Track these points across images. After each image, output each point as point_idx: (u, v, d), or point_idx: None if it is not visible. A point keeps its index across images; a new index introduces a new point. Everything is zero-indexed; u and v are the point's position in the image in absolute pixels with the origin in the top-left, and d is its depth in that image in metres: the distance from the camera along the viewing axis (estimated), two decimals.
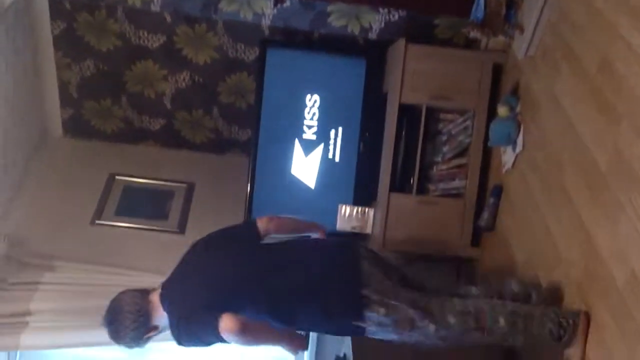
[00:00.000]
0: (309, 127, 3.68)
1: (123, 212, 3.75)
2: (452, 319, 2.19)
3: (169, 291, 2.24)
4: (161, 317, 2.22)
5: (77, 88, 3.91)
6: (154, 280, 2.49)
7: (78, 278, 3.19)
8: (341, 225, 3.62)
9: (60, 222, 3.57)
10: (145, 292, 2.26)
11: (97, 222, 3.65)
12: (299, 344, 2.27)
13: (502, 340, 2.25)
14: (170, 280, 2.30)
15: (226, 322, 2.04)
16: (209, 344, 2.17)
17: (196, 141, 4.12)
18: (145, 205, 3.83)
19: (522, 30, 3.02)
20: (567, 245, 2.54)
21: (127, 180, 3.93)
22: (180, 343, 2.18)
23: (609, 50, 2.34)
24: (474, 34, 3.09)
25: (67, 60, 3.80)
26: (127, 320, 2.18)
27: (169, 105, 3.98)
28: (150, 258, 3.34)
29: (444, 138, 3.52)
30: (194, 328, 2.14)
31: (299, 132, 3.67)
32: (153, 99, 3.95)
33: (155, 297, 2.24)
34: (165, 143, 4.13)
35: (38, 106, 3.95)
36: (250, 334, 2.09)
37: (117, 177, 3.92)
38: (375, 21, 3.52)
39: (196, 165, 4.09)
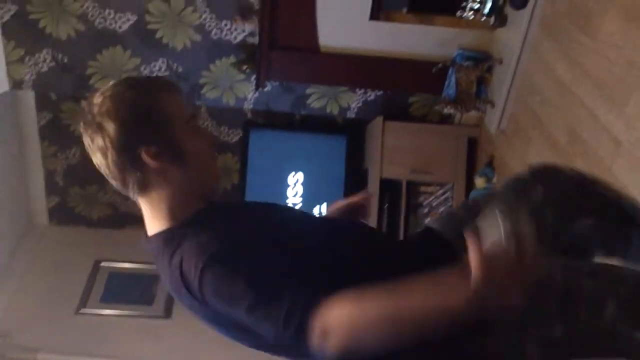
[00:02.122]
0: (293, 205, 3.74)
1: (108, 299, 3.72)
2: None
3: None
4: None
5: (62, 176, 3.95)
6: None
7: None
8: None
9: (45, 313, 3.52)
10: None
11: (82, 310, 3.61)
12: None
13: None
14: None
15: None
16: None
17: None
18: (131, 290, 3.80)
19: (493, 105, 3.16)
20: None
21: (112, 266, 3.92)
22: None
23: (577, 122, 2.46)
24: (447, 110, 3.23)
25: (53, 149, 3.86)
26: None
27: None
28: (136, 346, 3.29)
29: (425, 210, 3.59)
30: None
31: None
32: None
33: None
34: None
35: (23, 195, 3.98)
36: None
37: (102, 264, 3.91)
38: (353, 101, 3.66)
39: None
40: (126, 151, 1.25)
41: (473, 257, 1.00)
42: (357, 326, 1.04)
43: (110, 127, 1.24)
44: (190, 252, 1.17)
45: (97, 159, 1.28)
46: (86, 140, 1.29)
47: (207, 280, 1.14)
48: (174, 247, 1.22)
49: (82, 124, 1.29)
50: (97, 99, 1.27)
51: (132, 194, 1.30)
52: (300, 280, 1.10)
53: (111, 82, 1.30)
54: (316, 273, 1.10)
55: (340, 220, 1.47)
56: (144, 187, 1.28)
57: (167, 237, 1.26)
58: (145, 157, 1.26)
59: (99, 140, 1.25)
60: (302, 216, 1.45)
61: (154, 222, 1.31)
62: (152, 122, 1.27)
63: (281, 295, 1.09)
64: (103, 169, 1.29)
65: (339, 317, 1.04)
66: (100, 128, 1.25)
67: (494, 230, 1.04)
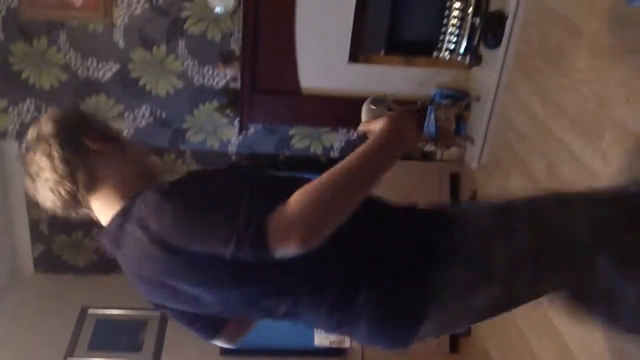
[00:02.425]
0: None
1: (96, 346, 3.68)
2: None
3: None
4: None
5: (47, 224, 3.94)
6: None
7: None
8: (319, 341, 3.61)
9: None
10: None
11: (70, 359, 3.57)
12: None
13: None
14: None
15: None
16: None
17: None
18: (118, 337, 3.77)
19: (472, 142, 3.22)
20: (540, 345, 2.58)
21: (99, 313, 3.89)
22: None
23: (554, 157, 2.52)
24: (428, 147, 3.29)
25: None
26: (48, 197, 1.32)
27: None
28: None
29: None
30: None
31: None
32: None
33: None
34: None
35: (8, 244, 3.95)
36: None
37: (89, 310, 3.88)
38: (336, 141, 3.71)
39: None
40: (70, 141, 1.29)
41: (378, 122, 1.30)
42: (314, 199, 1.08)
43: (51, 126, 1.30)
44: (147, 201, 1.19)
45: (44, 172, 1.28)
46: (28, 164, 1.29)
47: (165, 211, 1.14)
48: (131, 212, 1.22)
49: (23, 154, 1.31)
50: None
51: (83, 191, 1.30)
52: (256, 195, 1.13)
53: None
54: (271, 193, 1.12)
55: None
56: (92, 177, 1.30)
57: (123, 213, 1.25)
58: (89, 143, 1.31)
59: (42, 145, 1.28)
60: None
61: (108, 212, 1.30)
62: (89, 121, 1.37)
63: (238, 205, 1.09)
64: (51, 182, 1.28)
65: (296, 202, 1.07)
66: (41, 135, 1.29)
67: (374, 112, 1.42)
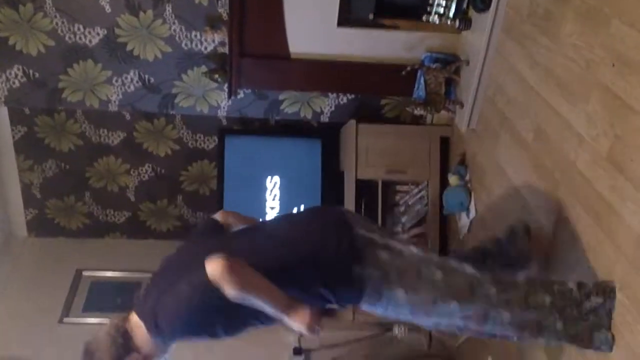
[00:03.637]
0: (272, 207, 3.78)
1: (91, 307, 3.75)
2: None
3: (146, 301, 1.96)
4: (143, 337, 1.92)
5: (40, 188, 3.96)
6: None
7: None
8: None
9: (29, 323, 3.54)
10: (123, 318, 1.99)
11: (66, 320, 3.64)
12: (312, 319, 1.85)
13: None
14: (144, 295, 2.01)
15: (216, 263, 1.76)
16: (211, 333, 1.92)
17: (162, 230, 4.17)
18: (112, 298, 3.83)
19: (462, 105, 3.22)
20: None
21: (94, 275, 3.95)
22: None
23: (542, 120, 2.54)
24: (417, 111, 3.29)
25: (29, 162, 3.86)
26: (102, 344, 1.92)
27: (132, 198, 4.05)
28: None
29: (402, 209, 3.65)
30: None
31: (262, 214, 3.77)
32: (117, 193, 4.02)
33: (133, 316, 1.95)
34: (131, 234, 4.17)
35: (0, 209, 3.98)
36: (248, 281, 1.79)
37: (83, 273, 3.93)
38: (326, 105, 3.71)
39: (163, 253, 4.10)
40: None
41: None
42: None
43: None
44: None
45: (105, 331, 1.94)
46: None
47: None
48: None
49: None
50: None
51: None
52: None
53: None
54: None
55: None
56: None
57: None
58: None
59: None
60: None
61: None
62: None
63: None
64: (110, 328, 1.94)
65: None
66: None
67: None
